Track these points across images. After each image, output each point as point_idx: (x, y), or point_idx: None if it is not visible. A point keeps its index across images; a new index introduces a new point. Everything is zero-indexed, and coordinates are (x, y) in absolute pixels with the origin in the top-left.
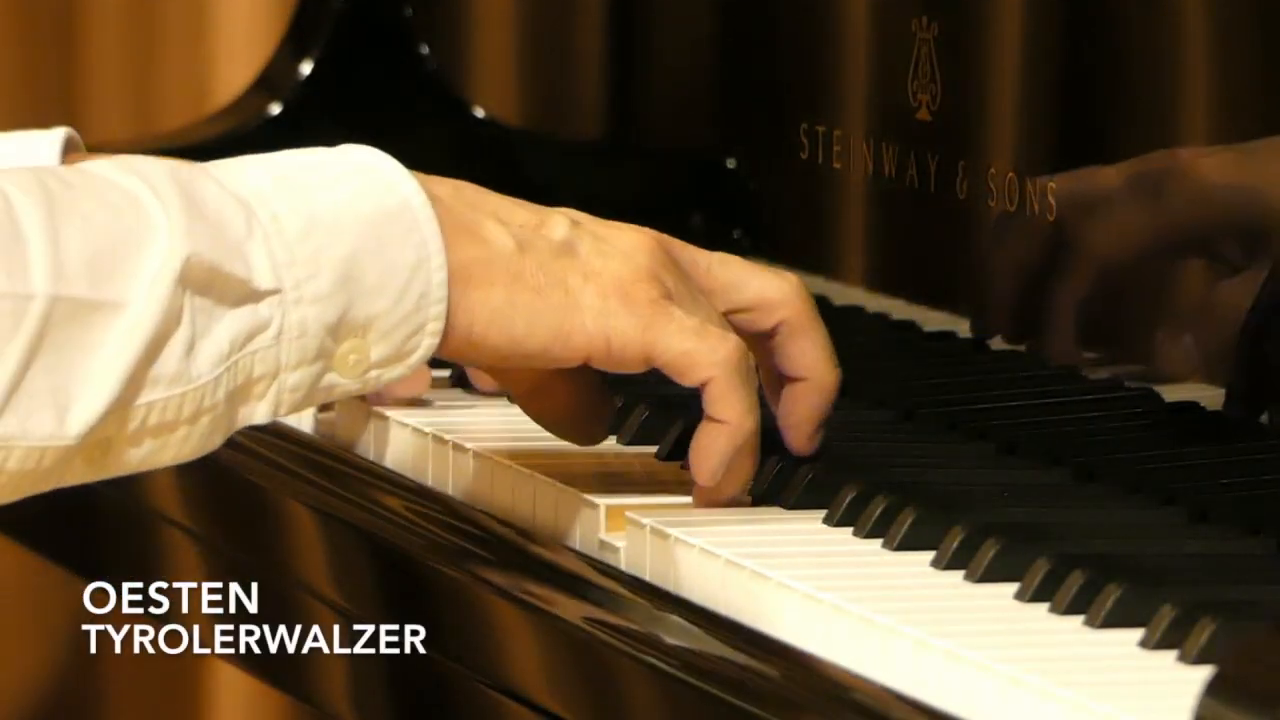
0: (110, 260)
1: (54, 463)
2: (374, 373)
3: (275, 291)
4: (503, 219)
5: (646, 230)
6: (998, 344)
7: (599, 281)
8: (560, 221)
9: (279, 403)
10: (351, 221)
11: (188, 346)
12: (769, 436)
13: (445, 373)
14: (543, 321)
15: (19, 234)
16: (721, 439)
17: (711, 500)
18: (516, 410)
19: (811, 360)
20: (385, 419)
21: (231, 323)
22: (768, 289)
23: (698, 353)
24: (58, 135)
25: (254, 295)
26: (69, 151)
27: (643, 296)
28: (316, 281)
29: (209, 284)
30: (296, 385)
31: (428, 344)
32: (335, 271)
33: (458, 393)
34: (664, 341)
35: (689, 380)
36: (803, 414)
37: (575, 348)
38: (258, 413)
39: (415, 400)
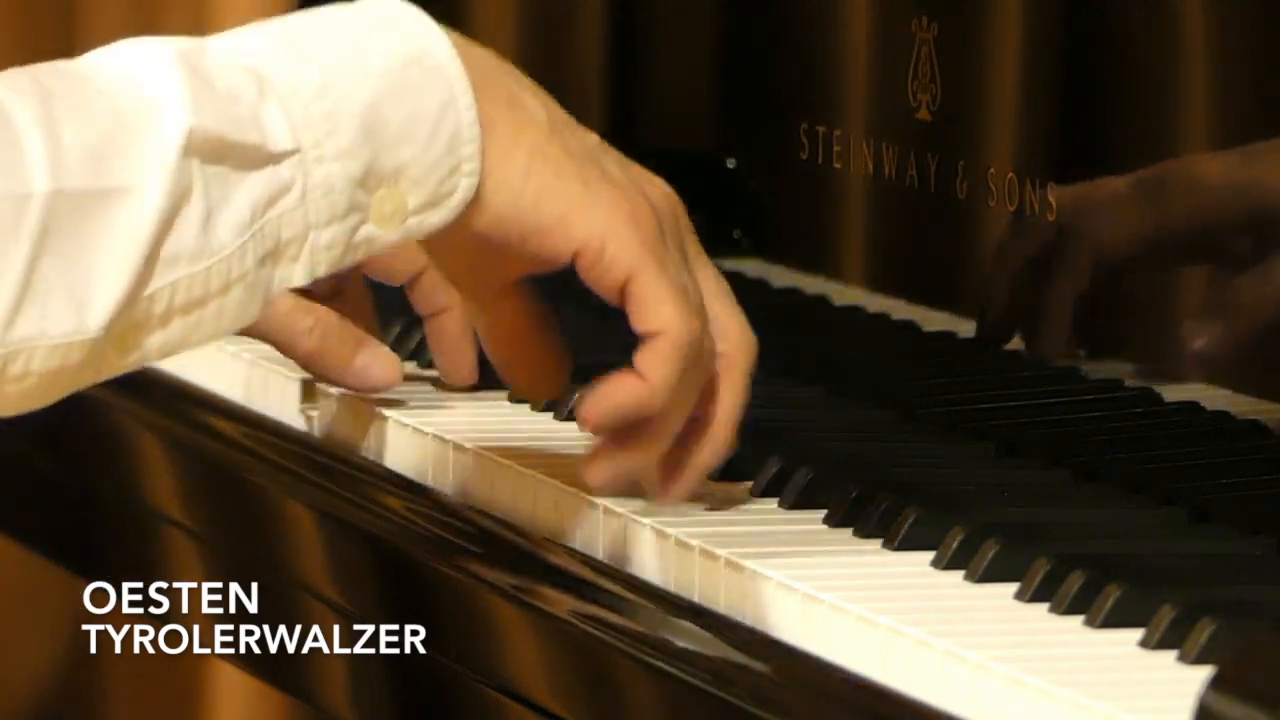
0: (112, 146)
1: (84, 357)
2: (414, 219)
3: (294, 152)
4: (542, 100)
5: (673, 194)
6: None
7: (616, 190)
8: (594, 135)
9: (315, 262)
10: (369, 72)
11: (204, 219)
12: (768, 437)
13: (433, 372)
14: (552, 200)
15: (13, 135)
16: (627, 392)
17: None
18: (516, 410)
19: (721, 409)
20: (385, 419)
21: (250, 189)
22: (731, 324)
23: (666, 308)
24: None
25: (271, 158)
26: None
27: (651, 226)
28: (337, 137)
29: (220, 153)
30: (331, 242)
31: (466, 184)
32: (356, 124)
33: (441, 391)
34: (648, 276)
35: (641, 324)
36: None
37: (573, 239)
38: (295, 275)
39: (388, 400)
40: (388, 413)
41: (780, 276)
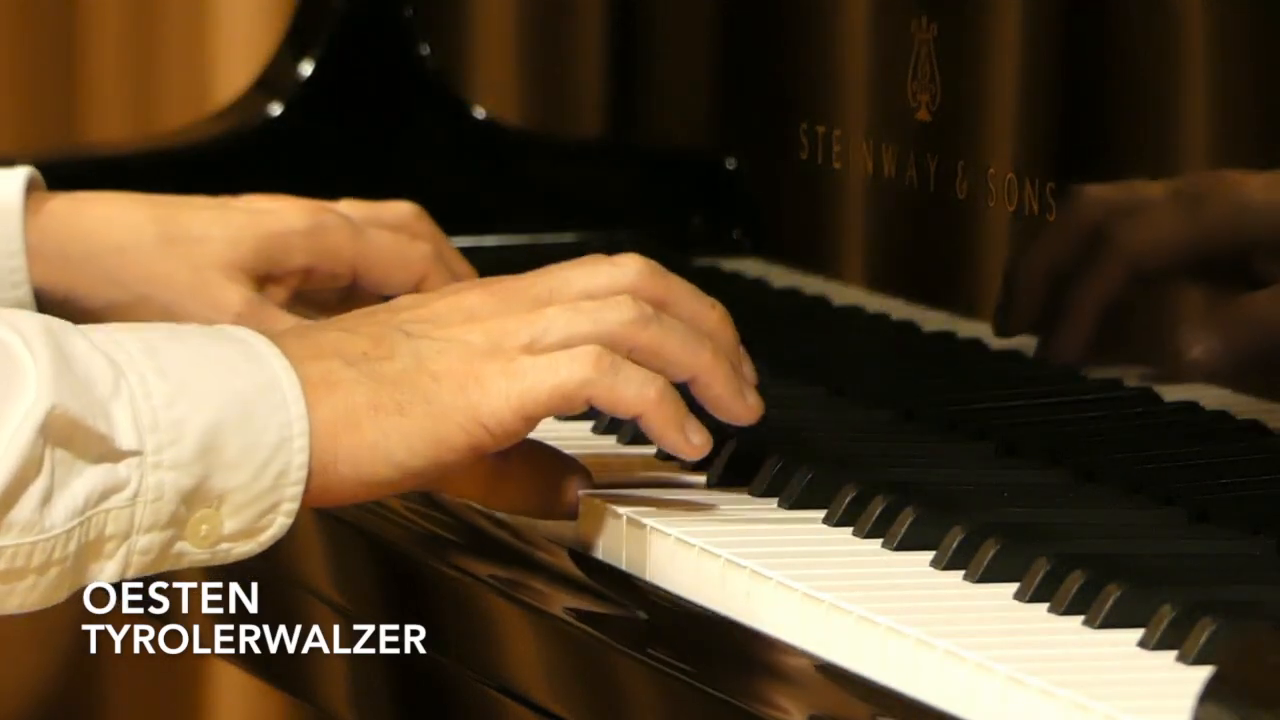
0: None
1: None
2: (224, 545)
3: (136, 452)
4: (347, 358)
5: (480, 286)
6: (997, 344)
7: (450, 378)
8: (395, 340)
9: (128, 564)
10: (218, 393)
11: (44, 497)
12: (767, 434)
13: None
14: (419, 438)
15: None
16: (657, 424)
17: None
18: None
19: (675, 349)
20: None
21: (90, 478)
22: (594, 287)
23: (564, 386)
24: (19, 175)
25: (114, 454)
26: (31, 190)
27: (493, 370)
28: (178, 448)
29: (70, 437)
30: (146, 548)
31: (281, 523)
32: (197, 440)
33: None
34: (530, 397)
35: (579, 409)
36: (718, 394)
37: (460, 448)
38: (106, 571)
39: None
40: None
41: (780, 276)
